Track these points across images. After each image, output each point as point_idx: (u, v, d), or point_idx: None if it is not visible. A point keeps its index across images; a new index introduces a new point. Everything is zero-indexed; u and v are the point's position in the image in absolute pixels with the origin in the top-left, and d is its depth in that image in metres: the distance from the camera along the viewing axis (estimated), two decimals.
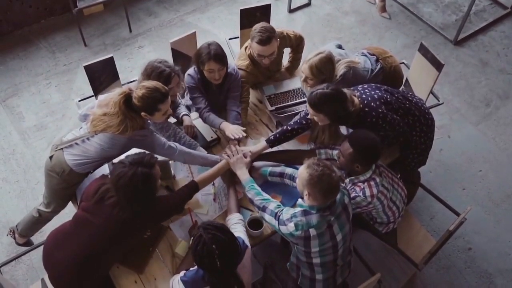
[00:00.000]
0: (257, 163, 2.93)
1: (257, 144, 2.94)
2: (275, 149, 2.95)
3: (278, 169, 2.77)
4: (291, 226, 2.30)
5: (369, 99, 2.69)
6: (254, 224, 2.64)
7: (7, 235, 3.30)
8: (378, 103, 2.68)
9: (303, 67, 2.91)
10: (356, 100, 2.68)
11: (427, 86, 3.40)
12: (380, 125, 2.68)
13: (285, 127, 2.90)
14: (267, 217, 2.43)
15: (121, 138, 2.54)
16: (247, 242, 2.32)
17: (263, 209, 2.45)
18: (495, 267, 3.43)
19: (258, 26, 3.01)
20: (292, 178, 2.67)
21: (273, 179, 2.80)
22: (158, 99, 2.50)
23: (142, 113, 2.53)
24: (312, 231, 2.29)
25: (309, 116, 2.74)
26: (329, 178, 2.24)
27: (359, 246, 3.06)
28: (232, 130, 2.89)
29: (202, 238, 2.04)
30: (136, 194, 2.26)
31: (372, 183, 2.58)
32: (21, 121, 4.18)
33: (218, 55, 2.86)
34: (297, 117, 2.94)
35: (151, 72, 2.74)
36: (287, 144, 2.99)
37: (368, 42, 4.87)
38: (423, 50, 3.35)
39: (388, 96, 2.75)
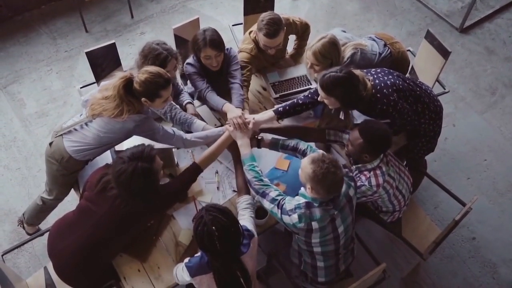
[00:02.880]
0: (267, 135, 2.82)
1: (263, 113, 2.84)
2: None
3: (291, 143, 2.62)
4: (294, 218, 2.27)
5: (382, 85, 2.64)
6: (259, 212, 2.61)
7: (18, 225, 3.28)
8: (390, 90, 2.64)
9: (307, 54, 2.85)
10: (369, 84, 2.61)
11: (433, 74, 3.36)
12: (390, 112, 2.64)
13: (295, 100, 2.83)
14: (267, 204, 2.37)
15: (116, 122, 2.50)
16: (253, 230, 2.27)
17: (263, 195, 2.37)
18: (499, 257, 3.42)
19: (266, 18, 2.95)
20: (305, 154, 2.53)
21: (285, 152, 2.69)
22: (161, 84, 2.47)
23: (143, 99, 2.49)
24: (315, 224, 2.27)
25: (319, 99, 2.67)
26: (334, 175, 2.19)
27: (363, 234, 3.04)
28: (235, 116, 2.70)
29: (203, 219, 2.04)
30: (138, 189, 2.24)
31: (378, 172, 2.55)
32: (22, 108, 4.14)
33: (214, 41, 2.82)
34: (307, 92, 2.87)
35: (148, 53, 2.71)
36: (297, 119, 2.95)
37: (373, 29, 4.81)
38: (430, 38, 3.30)
39: (400, 83, 2.71)
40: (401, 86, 2.69)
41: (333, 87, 2.52)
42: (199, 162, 2.54)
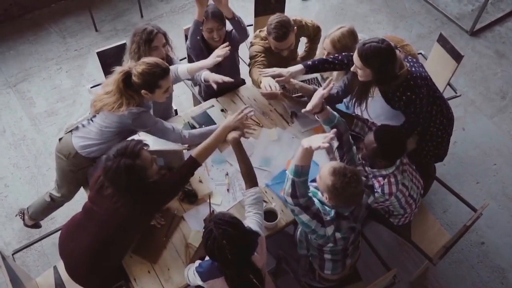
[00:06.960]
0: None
1: (294, 66, 2.82)
2: None
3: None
4: (329, 230, 2.28)
5: (418, 74, 2.57)
6: (269, 215, 2.60)
7: (16, 215, 3.27)
8: (423, 82, 2.58)
9: (325, 42, 2.79)
10: (405, 67, 2.52)
11: (445, 77, 3.34)
12: (415, 104, 2.57)
13: (324, 57, 2.81)
14: (306, 218, 2.26)
15: (115, 116, 2.52)
16: (259, 230, 2.23)
17: (305, 209, 2.26)
18: (508, 262, 3.40)
19: (273, 21, 2.94)
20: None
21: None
22: (159, 74, 2.46)
23: (143, 91, 2.49)
24: (338, 235, 2.31)
25: (352, 69, 2.56)
26: (354, 189, 2.16)
27: (372, 238, 3.03)
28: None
29: (213, 233, 1.98)
30: (125, 186, 2.18)
31: (392, 180, 2.54)
32: (32, 107, 4.15)
33: (215, 12, 2.96)
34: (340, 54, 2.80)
35: (136, 31, 2.79)
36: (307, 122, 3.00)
37: (383, 31, 4.79)
38: (442, 41, 3.29)
39: (429, 80, 2.68)
40: (429, 83, 2.67)
41: (372, 58, 2.41)
42: (195, 155, 2.38)
